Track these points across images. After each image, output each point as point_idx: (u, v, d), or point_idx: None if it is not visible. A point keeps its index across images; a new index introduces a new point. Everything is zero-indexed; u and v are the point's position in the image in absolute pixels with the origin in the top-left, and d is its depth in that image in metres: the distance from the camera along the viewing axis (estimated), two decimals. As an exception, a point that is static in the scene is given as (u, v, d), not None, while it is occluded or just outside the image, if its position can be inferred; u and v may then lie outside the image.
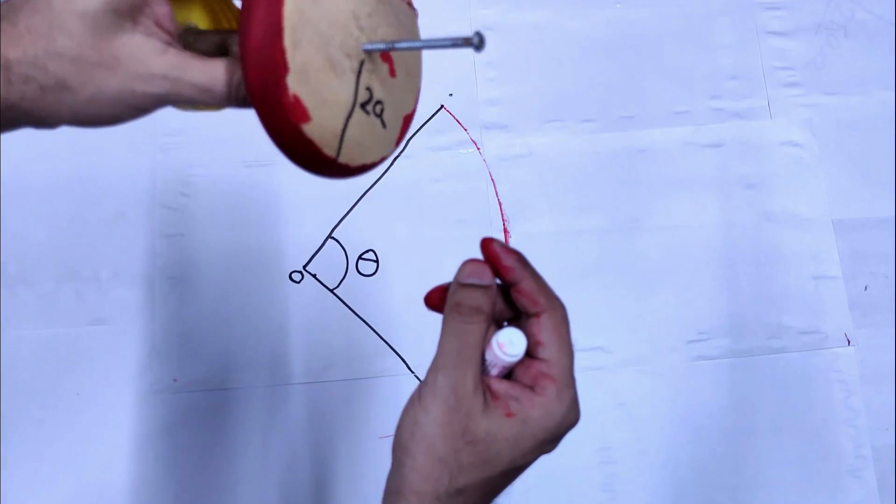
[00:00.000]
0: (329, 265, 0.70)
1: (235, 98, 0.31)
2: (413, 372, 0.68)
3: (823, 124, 0.76)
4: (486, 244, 0.35)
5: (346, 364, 0.68)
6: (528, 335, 0.35)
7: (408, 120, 0.37)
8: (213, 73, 0.31)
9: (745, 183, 0.74)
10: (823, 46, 0.78)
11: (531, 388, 0.34)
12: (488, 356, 0.35)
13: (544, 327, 0.34)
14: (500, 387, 0.34)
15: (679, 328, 0.70)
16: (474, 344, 0.34)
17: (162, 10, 0.31)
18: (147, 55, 0.30)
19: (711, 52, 0.77)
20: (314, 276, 0.70)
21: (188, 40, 0.34)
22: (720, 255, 0.72)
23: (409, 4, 0.37)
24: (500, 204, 0.72)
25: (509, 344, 0.34)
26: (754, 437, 0.68)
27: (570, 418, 0.34)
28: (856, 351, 0.71)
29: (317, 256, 0.70)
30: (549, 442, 0.34)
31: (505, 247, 0.35)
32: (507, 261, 0.34)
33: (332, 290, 0.69)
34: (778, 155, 0.75)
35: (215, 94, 0.31)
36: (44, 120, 0.30)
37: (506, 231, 0.71)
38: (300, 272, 0.70)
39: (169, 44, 0.31)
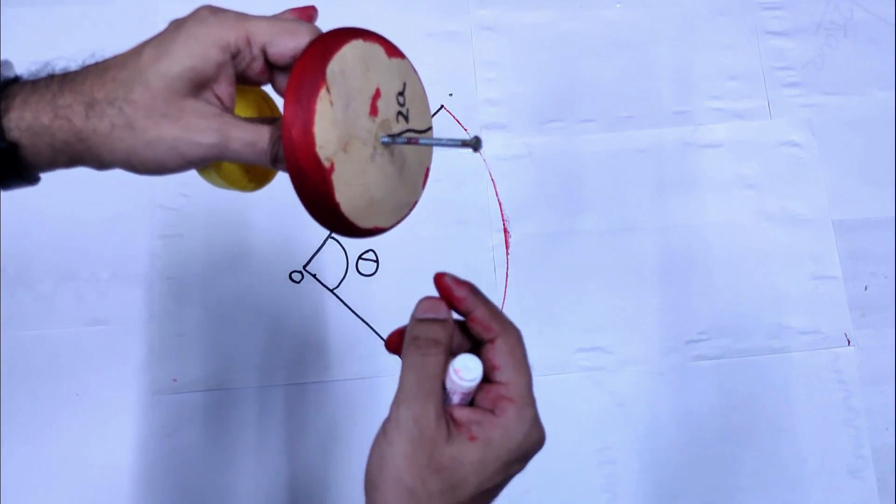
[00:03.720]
0: (329, 265, 0.70)
1: (273, 155, 0.36)
2: (413, 372, 0.68)
3: (823, 124, 0.76)
4: (438, 278, 0.37)
5: (347, 364, 0.68)
6: (485, 361, 0.36)
7: (412, 204, 0.41)
8: (257, 131, 0.35)
9: (745, 183, 0.74)
10: (823, 46, 0.78)
11: (492, 411, 0.36)
12: (448, 385, 0.36)
13: (499, 351, 0.36)
14: (463, 414, 0.36)
15: (679, 328, 0.70)
16: (434, 375, 0.35)
17: (226, 90, 0.36)
18: (206, 114, 0.35)
19: (711, 52, 0.77)
20: (314, 276, 0.70)
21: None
22: (720, 255, 0.72)
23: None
24: (500, 204, 0.72)
25: (465, 369, 0.35)
26: (754, 437, 0.68)
27: (533, 436, 0.36)
28: (856, 351, 0.71)
29: (317, 256, 0.70)
30: (515, 462, 0.36)
31: (456, 279, 0.37)
32: (459, 292, 0.37)
33: (332, 290, 0.69)
34: (778, 155, 0.75)
35: (257, 148, 0.35)
36: (100, 157, 0.35)
37: (506, 231, 0.71)
38: (300, 272, 0.70)
39: (224, 111, 0.36)
